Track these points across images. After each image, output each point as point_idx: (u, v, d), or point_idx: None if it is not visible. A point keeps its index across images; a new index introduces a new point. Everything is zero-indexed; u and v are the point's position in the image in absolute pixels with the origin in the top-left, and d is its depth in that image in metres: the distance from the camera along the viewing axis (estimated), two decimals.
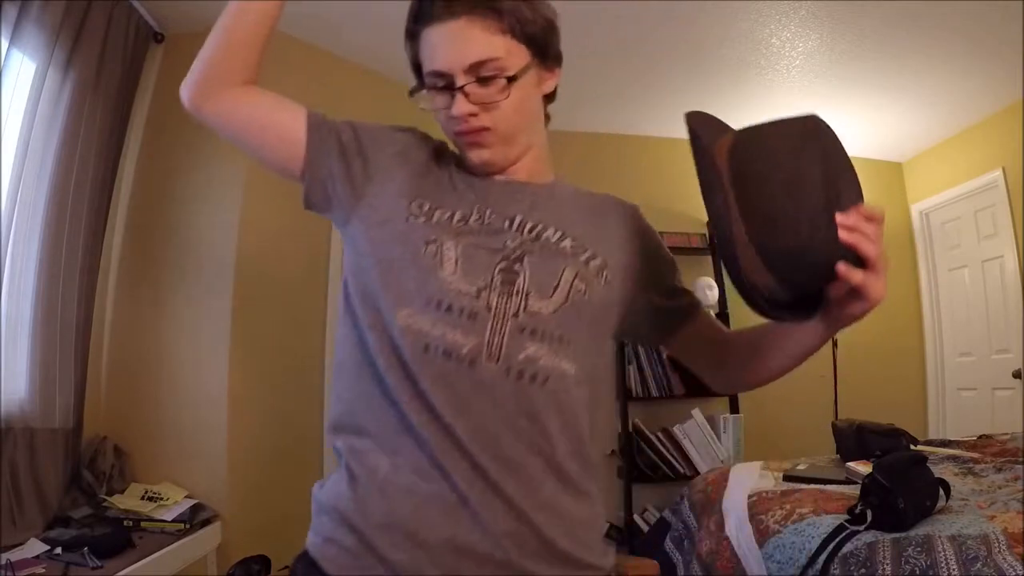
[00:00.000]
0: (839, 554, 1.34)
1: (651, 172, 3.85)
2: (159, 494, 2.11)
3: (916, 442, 2.38)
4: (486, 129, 0.77)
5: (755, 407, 3.57)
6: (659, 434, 3.31)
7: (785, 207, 0.65)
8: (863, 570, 1.28)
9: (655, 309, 0.88)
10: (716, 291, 3.51)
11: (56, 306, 2.06)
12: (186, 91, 0.79)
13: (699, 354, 0.92)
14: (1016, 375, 3.27)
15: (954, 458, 2.17)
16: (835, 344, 3.72)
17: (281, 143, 0.79)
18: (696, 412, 3.30)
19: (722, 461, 3.18)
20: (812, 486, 1.90)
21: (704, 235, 3.73)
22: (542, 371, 0.70)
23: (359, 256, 0.77)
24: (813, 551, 1.39)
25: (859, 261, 0.63)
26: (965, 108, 3.44)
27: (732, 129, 0.75)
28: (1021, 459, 2.03)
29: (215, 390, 2.36)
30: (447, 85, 0.76)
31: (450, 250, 0.72)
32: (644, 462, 3.29)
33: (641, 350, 3.37)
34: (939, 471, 1.85)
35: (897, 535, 1.34)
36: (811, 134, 0.68)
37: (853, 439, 2.34)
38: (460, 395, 0.68)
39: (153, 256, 2.54)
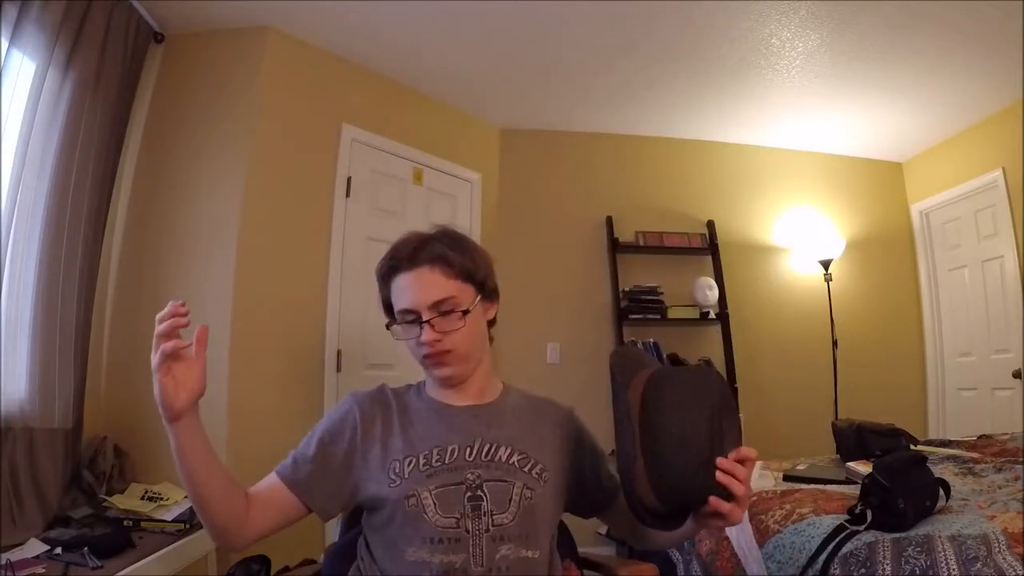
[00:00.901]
0: (839, 554, 1.34)
1: (651, 172, 3.84)
2: (159, 494, 2.11)
3: (916, 442, 2.38)
4: (448, 351, 1.01)
5: (755, 407, 3.57)
6: None
7: (677, 455, 0.85)
8: (863, 570, 1.28)
9: (588, 491, 1.12)
10: (716, 291, 3.49)
11: (56, 306, 2.06)
12: (222, 545, 1.02)
13: (620, 526, 1.16)
14: (1016, 375, 3.27)
15: (954, 458, 2.17)
16: (835, 344, 3.72)
17: (295, 516, 1.00)
18: None
19: None
20: (812, 486, 1.91)
21: (704, 235, 3.72)
22: (514, 563, 0.95)
23: (367, 502, 1.02)
24: (813, 551, 1.39)
25: (729, 493, 0.83)
26: (965, 108, 3.44)
27: (652, 363, 0.96)
28: (1021, 459, 2.03)
29: (215, 389, 2.34)
30: (416, 319, 1.01)
31: (427, 498, 0.96)
32: None
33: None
34: (939, 471, 1.85)
35: (897, 535, 1.34)
36: (702, 389, 0.89)
37: (853, 439, 2.34)
38: None
39: (153, 255, 2.54)
